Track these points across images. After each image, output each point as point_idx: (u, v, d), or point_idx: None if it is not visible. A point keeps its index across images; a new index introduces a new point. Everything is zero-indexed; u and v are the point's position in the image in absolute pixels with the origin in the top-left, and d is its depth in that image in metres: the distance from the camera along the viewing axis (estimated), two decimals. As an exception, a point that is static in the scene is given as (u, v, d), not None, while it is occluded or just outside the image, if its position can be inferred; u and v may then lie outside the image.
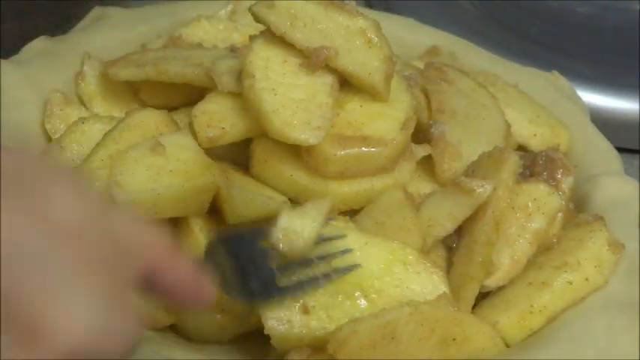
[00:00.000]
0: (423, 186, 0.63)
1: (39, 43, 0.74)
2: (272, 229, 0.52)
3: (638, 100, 0.88)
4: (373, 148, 0.59)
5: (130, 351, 0.37)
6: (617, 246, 0.59)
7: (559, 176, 0.64)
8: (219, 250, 0.51)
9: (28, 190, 0.34)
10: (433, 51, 0.81)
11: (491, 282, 0.58)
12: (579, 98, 0.81)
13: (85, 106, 0.70)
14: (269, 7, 0.61)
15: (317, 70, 0.60)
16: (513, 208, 0.60)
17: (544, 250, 0.60)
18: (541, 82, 0.79)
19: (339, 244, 0.54)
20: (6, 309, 0.31)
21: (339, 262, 0.53)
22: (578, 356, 0.53)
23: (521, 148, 0.71)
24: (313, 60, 0.60)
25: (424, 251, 0.57)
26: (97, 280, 0.34)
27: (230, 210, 0.58)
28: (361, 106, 0.61)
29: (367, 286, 0.53)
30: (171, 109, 0.66)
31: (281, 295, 0.51)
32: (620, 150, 0.74)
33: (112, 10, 0.81)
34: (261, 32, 0.62)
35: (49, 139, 0.66)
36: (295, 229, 0.52)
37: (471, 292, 0.56)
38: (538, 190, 0.61)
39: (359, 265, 0.53)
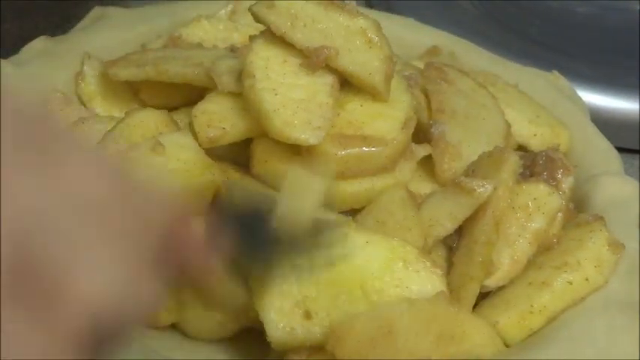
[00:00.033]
0: (423, 186, 0.63)
1: (39, 43, 0.74)
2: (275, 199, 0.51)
3: (638, 100, 0.88)
4: (374, 147, 0.59)
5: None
6: (617, 246, 0.59)
7: (559, 176, 0.64)
8: (225, 212, 0.50)
9: (47, 147, 0.33)
10: (433, 51, 0.81)
11: (491, 282, 0.58)
12: (579, 98, 0.81)
13: (85, 106, 0.70)
14: (269, 7, 0.61)
15: (317, 70, 0.60)
16: (513, 208, 0.60)
17: (544, 250, 0.60)
18: (541, 82, 0.79)
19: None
20: (26, 274, 0.30)
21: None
22: (578, 356, 0.53)
23: (521, 148, 0.71)
24: (313, 60, 0.60)
25: (425, 251, 0.57)
26: (120, 248, 0.34)
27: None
28: (361, 106, 0.61)
29: (368, 287, 0.53)
30: (171, 109, 0.66)
31: (280, 257, 0.50)
32: (620, 150, 0.74)
33: (112, 10, 0.81)
34: (261, 32, 0.62)
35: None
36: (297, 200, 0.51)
37: (471, 292, 0.56)
38: (538, 190, 0.61)
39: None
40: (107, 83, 0.70)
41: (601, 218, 0.61)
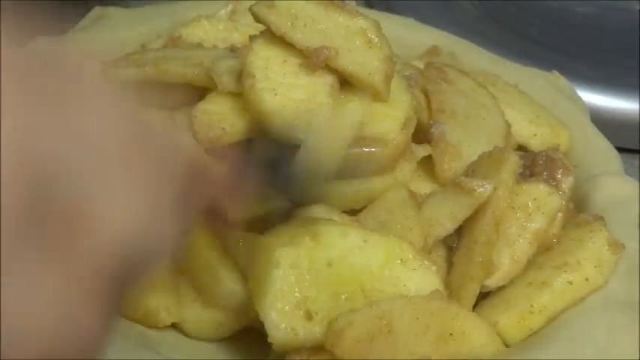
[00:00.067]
0: (423, 186, 0.63)
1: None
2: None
3: (638, 100, 0.88)
4: (374, 148, 0.59)
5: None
6: (617, 246, 0.59)
7: (559, 176, 0.64)
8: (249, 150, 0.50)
9: (69, 89, 0.32)
10: (433, 51, 0.81)
11: (491, 282, 0.58)
12: (579, 98, 0.81)
13: (85, 106, 0.70)
14: (269, 7, 0.61)
15: (317, 70, 0.60)
16: (513, 208, 0.60)
17: (544, 250, 0.60)
18: (541, 82, 0.79)
19: None
20: (46, 202, 0.29)
21: None
22: (578, 356, 0.53)
23: (521, 148, 0.70)
24: (313, 60, 0.60)
25: (425, 250, 0.57)
26: (143, 185, 0.33)
27: (230, 207, 0.58)
28: (361, 106, 0.61)
29: (367, 287, 0.53)
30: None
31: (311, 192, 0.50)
32: (620, 150, 0.74)
33: (112, 10, 0.81)
34: (261, 32, 0.62)
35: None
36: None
37: (471, 292, 0.56)
38: (538, 190, 0.61)
39: None
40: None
41: (601, 218, 0.61)
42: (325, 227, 0.54)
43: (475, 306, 0.57)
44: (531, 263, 0.59)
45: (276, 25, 0.60)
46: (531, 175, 0.64)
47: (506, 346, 0.55)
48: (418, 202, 0.60)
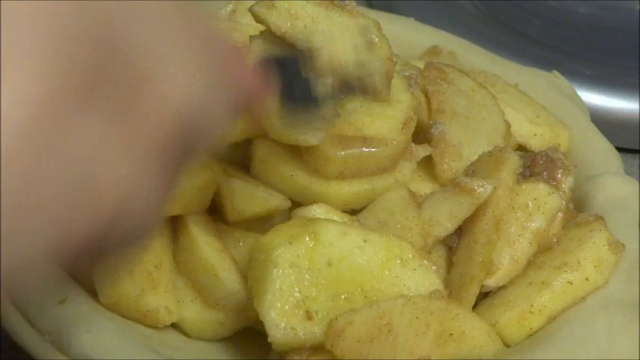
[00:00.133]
0: (423, 186, 0.63)
1: None
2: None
3: (638, 100, 0.88)
4: (374, 148, 0.59)
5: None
6: (617, 246, 0.59)
7: (559, 176, 0.64)
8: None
9: None
10: (433, 51, 0.81)
11: (492, 282, 0.58)
12: (579, 98, 0.81)
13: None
14: (269, 7, 0.61)
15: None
16: (513, 208, 0.60)
17: (544, 250, 0.60)
18: (541, 82, 0.79)
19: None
20: (114, 65, 0.30)
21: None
22: (578, 356, 0.53)
23: (521, 148, 0.70)
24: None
25: (425, 251, 0.57)
26: (199, 63, 0.34)
27: (230, 207, 0.58)
28: (361, 107, 0.61)
29: (367, 287, 0.53)
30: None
31: (318, 104, 0.50)
32: (620, 150, 0.74)
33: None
34: (261, 32, 0.62)
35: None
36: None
37: (471, 292, 0.56)
38: (538, 190, 0.61)
39: None
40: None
41: (601, 218, 0.61)
42: (325, 227, 0.54)
43: (475, 306, 0.57)
44: (531, 263, 0.59)
45: (276, 25, 0.60)
46: (531, 175, 0.64)
47: (506, 346, 0.55)
48: (418, 202, 0.60)
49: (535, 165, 0.65)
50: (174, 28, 0.34)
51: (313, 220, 0.55)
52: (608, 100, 0.88)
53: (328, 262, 0.53)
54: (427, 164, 0.64)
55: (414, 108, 0.63)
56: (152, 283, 0.55)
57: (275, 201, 0.58)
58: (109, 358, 0.51)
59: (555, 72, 0.82)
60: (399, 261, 0.54)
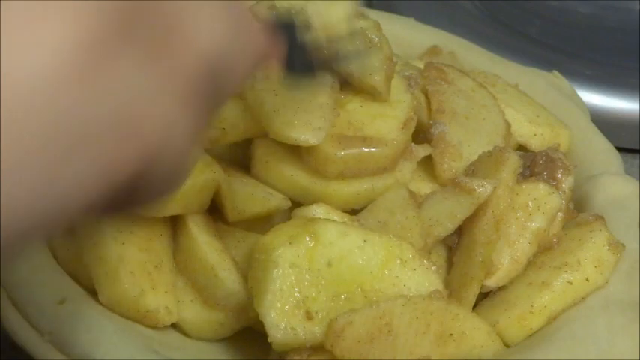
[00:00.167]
0: (423, 186, 0.63)
1: None
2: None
3: (638, 100, 0.88)
4: (374, 148, 0.59)
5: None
6: (617, 246, 0.59)
7: (559, 176, 0.64)
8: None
9: None
10: (433, 51, 0.81)
11: (491, 282, 0.58)
12: (579, 98, 0.81)
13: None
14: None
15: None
16: (513, 208, 0.60)
17: (544, 250, 0.60)
18: (541, 82, 0.79)
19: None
20: (141, 16, 0.31)
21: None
22: (578, 356, 0.53)
23: (521, 148, 0.71)
24: (314, 60, 0.60)
25: (425, 251, 0.57)
26: (226, 17, 0.36)
27: (230, 207, 0.58)
28: (361, 107, 0.61)
29: (367, 287, 0.53)
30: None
31: (318, 69, 0.52)
32: (620, 150, 0.74)
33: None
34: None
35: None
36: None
37: (471, 292, 0.56)
38: (538, 190, 0.61)
39: None
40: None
41: (601, 218, 0.61)
42: (325, 227, 0.54)
43: (475, 306, 0.57)
44: (531, 263, 0.59)
45: (273, -7, 0.60)
46: (531, 175, 0.64)
47: (506, 346, 0.55)
48: (418, 202, 0.60)
49: (535, 165, 0.65)
50: None
51: (313, 220, 0.55)
52: (608, 100, 0.87)
53: (328, 262, 0.53)
54: (427, 164, 0.64)
55: (414, 108, 0.63)
56: (152, 283, 0.55)
57: (275, 201, 0.58)
58: (109, 358, 0.51)
59: (555, 72, 0.82)
60: (399, 261, 0.54)
